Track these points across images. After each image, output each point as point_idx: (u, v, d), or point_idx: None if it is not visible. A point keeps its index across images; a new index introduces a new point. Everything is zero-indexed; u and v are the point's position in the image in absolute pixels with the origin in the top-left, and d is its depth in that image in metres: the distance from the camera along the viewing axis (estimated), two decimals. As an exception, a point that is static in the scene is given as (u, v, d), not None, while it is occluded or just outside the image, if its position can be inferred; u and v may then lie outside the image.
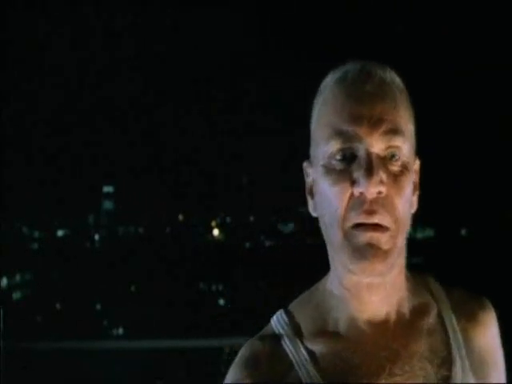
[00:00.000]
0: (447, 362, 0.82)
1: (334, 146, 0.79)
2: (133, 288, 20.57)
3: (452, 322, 0.88)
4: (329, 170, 0.81)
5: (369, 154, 0.79)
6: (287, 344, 0.82)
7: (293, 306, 0.91)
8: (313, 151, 0.86)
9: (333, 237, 0.80)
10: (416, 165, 0.84)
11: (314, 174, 0.85)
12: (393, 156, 0.80)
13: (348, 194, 0.78)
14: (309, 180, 0.87)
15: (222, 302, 20.79)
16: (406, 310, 0.86)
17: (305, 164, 0.88)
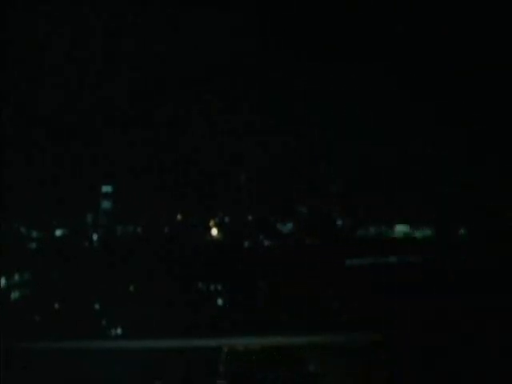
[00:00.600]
0: None
1: None
2: (131, 288, 20.61)
3: None
4: None
5: None
6: None
7: None
8: None
9: None
10: None
11: None
12: None
13: None
14: None
15: (220, 301, 20.84)
16: None
17: None
